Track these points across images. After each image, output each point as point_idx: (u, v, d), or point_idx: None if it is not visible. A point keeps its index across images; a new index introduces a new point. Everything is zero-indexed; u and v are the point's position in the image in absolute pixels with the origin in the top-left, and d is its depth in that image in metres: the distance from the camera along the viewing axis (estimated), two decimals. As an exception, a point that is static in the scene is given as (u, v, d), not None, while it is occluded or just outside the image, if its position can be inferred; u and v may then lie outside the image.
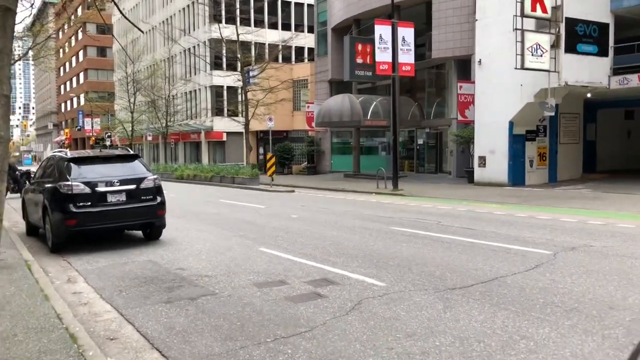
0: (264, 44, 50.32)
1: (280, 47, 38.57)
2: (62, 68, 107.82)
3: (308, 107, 38.46)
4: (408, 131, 33.07)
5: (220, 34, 36.84)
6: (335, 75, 36.24)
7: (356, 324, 5.51)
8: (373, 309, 6.00)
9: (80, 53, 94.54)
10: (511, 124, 23.45)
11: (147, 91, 55.80)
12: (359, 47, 31.74)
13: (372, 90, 34.81)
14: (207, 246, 10.33)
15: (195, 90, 57.00)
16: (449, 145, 30.08)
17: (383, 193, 23.04)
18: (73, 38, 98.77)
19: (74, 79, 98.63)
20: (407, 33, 24.03)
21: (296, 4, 56.71)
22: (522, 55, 20.34)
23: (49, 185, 10.51)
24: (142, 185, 10.59)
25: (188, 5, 57.37)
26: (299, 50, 55.55)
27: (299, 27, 53.71)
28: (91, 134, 72.61)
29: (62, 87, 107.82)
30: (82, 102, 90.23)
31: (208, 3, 50.41)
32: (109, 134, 57.72)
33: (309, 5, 56.66)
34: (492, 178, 24.07)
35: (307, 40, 52.24)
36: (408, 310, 5.89)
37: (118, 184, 10.29)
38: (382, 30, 23.46)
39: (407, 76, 25.59)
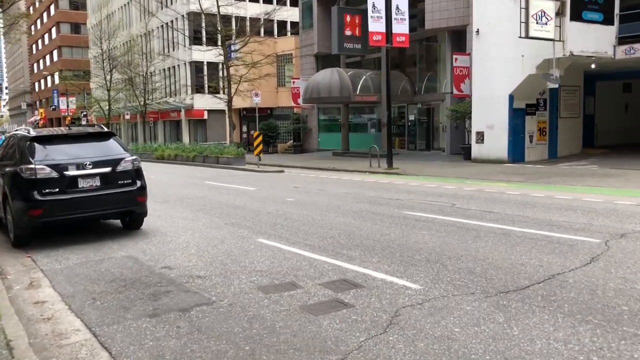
0: (245, 17, 48.37)
1: (263, 20, 36.68)
2: (34, 45, 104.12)
3: (293, 82, 36.85)
4: (398, 107, 31.71)
5: (200, 5, 34.91)
6: (322, 49, 34.62)
7: (402, 348, 4.23)
8: (416, 323, 4.72)
9: (53, 30, 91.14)
10: (511, 97, 22.25)
11: (124, 68, 53.58)
12: (348, 18, 30.19)
13: (360, 64, 33.35)
14: (196, 237, 8.97)
15: (174, 67, 54.89)
16: (443, 121, 28.85)
17: (378, 172, 21.79)
18: (45, 14, 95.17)
19: (47, 57, 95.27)
20: (401, 1, 22.54)
21: (278, -25, 54.57)
22: (527, 23, 19.03)
23: (9, 169, 9.01)
24: (119, 168, 9.14)
25: (165, -22, 54.89)
26: (282, 24, 53.66)
27: (280, 1, 51.79)
28: (67, 113, 70.02)
29: (35, 65, 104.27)
30: (57, 80, 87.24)
31: (186, -25, 48.19)
32: (85, 113, 55.50)
33: (292, -23, 54.66)
34: (491, 154, 22.92)
35: (290, 13, 50.37)
36: (462, 325, 4.63)
37: (91, 166, 8.84)
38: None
39: (401, 47, 24.15)
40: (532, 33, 19.11)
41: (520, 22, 19.06)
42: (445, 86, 28.89)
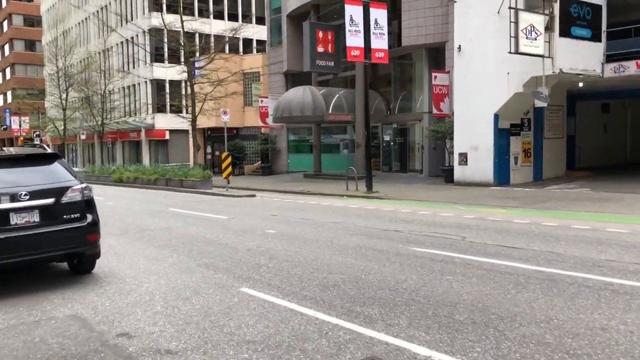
0: (209, 35, 46.71)
1: (228, 36, 34.96)
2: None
3: (261, 101, 35.21)
4: (372, 127, 30.25)
5: (163, 20, 33.05)
6: (292, 67, 33.15)
7: None
8: None
9: (6, 47, 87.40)
10: (496, 117, 21.10)
11: (81, 86, 51.06)
12: (320, 34, 28.76)
13: (332, 83, 31.96)
14: (162, 286, 7.14)
15: (134, 85, 52.58)
16: (420, 141, 27.59)
17: (357, 196, 20.25)
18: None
19: (0, 75, 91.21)
20: (379, 15, 21.25)
21: (244, -8, 53.20)
22: (517, 37, 17.94)
23: None
24: (65, 199, 7.28)
25: (125, -7, 52.85)
26: (247, 42, 52.15)
27: (246, 18, 50.32)
28: (19, 133, 66.56)
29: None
30: (10, 99, 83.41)
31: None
32: (38, 133, 52.53)
33: (257, -5, 53.38)
34: (475, 177, 21.66)
35: (255, 30, 48.93)
36: None
37: (27, 197, 6.95)
38: (353, 11, 20.58)
39: (380, 63, 22.81)
40: (522, 48, 18.03)
41: (510, 36, 17.95)
42: (422, 105, 27.71)
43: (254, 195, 21.01)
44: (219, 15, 50.11)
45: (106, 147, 55.04)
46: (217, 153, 42.82)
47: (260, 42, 52.89)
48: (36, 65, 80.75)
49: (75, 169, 55.78)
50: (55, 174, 7.49)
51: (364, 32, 20.74)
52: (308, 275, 7.34)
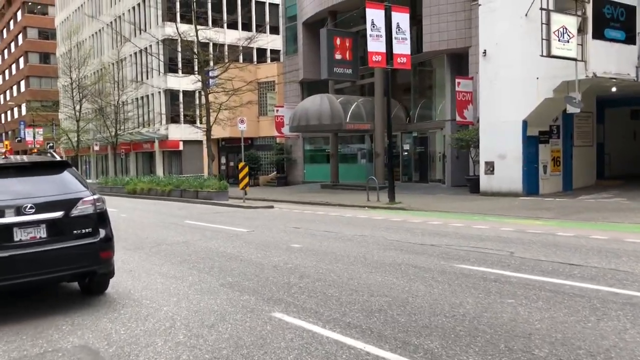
0: (223, 44, 46.25)
1: (243, 45, 34.26)
2: (1, 76, 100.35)
3: (277, 110, 34.55)
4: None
5: (177, 29, 32.54)
6: (308, 75, 32.51)
7: None
8: None
9: (21, 60, 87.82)
10: (525, 123, 20.20)
11: (94, 97, 50.80)
12: (338, 41, 28.16)
13: (349, 91, 31.22)
14: (183, 309, 6.34)
15: (147, 95, 52.25)
16: (442, 150, 26.71)
17: (379, 207, 19.41)
18: (12, 44, 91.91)
19: (15, 88, 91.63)
20: (401, 19, 20.50)
21: (257, 2, 52.82)
22: (549, 40, 17.08)
23: None
24: (75, 212, 6.52)
25: (139, 4, 52.67)
26: (261, 52, 51.63)
27: (260, 28, 49.86)
28: (33, 145, 66.53)
29: (2, 96, 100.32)
30: (24, 111, 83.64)
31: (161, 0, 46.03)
32: (51, 144, 52.23)
33: (272, 5, 53.02)
34: (503, 187, 20.73)
35: (269, 40, 48.45)
36: None
37: (33, 210, 6.21)
38: (374, 15, 19.85)
39: (403, 69, 22.02)
40: (554, 51, 17.15)
41: (542, 39, 17.09)
42: (443, 113, 26.88)
43: (272, 207, 20.22)
44: (233, 25, 49.67)
45: (120, 159, 54.66)
46: (231, 163, 42.23)
47: (274, 52, 52.43)
48: (50, 78, 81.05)
49: (89, 181, 55.40)
50: (65, 184, 6.74)
51: (386, 37, 20.00)
52: (347, 297, 6.51)
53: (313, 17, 31.50)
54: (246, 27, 50.30)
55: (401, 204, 19.44)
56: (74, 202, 6.55)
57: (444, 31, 24.55)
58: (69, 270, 6.52)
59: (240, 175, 21.11)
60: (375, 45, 19.90)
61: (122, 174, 50.96)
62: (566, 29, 17.35)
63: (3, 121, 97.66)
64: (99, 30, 61.16)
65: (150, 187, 28.00)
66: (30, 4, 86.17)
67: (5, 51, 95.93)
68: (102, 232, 6.78)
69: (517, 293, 6.32)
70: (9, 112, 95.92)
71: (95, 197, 6.89)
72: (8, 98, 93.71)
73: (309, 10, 31.54)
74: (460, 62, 25.56)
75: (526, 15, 19.56)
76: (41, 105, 76.39)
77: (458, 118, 23.63)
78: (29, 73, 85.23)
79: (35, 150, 63.57)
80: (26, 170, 6.85)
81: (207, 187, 23.15)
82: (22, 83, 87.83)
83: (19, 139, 74.56)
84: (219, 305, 6.43)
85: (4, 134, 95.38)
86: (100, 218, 6.84)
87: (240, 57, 40.85)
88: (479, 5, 21.49)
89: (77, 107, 52.63)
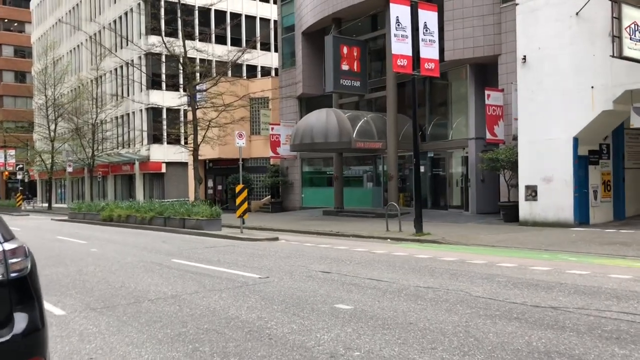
0: (211, 60, 43.04)
1: (233, 58, 30.75)
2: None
3: (272, 129, 31.25)
4: (401, 156, 26.08)
5: (162, 38, 29.22)
6: (308, 90, 29.36)
7: None
8: None
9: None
10: (576, 141, 17.13)
11: (71, 115, 47.15)
12: (345, 50, 25.17)
13: (355, 107, 28.09)
14: None
15: (128, 114, 48.66)
16: (464, 172, 23.53)
17: (405, 239, 16.15)
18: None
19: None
20: (429, 18, 17.42)
21: (247, 16, 49.85)
22: (620, 37, 14.10)
23: None
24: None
25: (120, 17, 49.41)
26: (251, 68, 48.48)
27: (249, 43, 46.80)
28: (4, 167, 62.26)
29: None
30: (-3, 132, 79.33)
31: (145, 12, 42.78)
32: (21, 165, 48.26)
33: (263, 20, 50.13)
34: (548, 215, 17.57)
35: (259, 54, 45.27)
36: None
37: None
38: (399, 12, 16.74)
39: (431, 76, 18.92)
40: (626, 52, 14.16)
41: (613, 35, 14.10)
42: (462, 130, 23.79)
43: (276, 239, 16.75)
44: (221, 40, 46.50)
45: (97, 182, 50.78)
46: (219, 187, 38.71)
47: (265, 69, 49.37)
48: (26, 97, 77.01)
49: (63, 206, 51.33)
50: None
51: (412, 38, 16.91)
52: None
53: (314, 26, 28.46)
54: (235, 42, 47.17)
55: (431, 236, 16.18)
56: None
57: (469, 37, 21.57)
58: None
59: (238, 200, 17.62)
60: (401, 47, 16.76)
61: (99, 199, 47.09)
62: (638, 26, 14.40)
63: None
64: (78, 46, 57.69)
65: (128, 214, 24.34)
66: (6, 21, 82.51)
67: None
68: (22, 321, 3.32)
69: None
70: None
71: (14, 246, 3.44)
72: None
73: (309, 19, 28.49)
74: (485, 72, 22.57)
75: (577, 14, 16.65)
76: (17, 127, 72.31)
77: (488, 136, 20.51)
78: (3, 92, 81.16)
79: (7, 174, 59.40)
80: None
81: (196, 214, 19.61)
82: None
83: (-11, 161, 70.19)
84: None
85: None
86: (21, 289, 3.39)
87: (230, 72, 37.63)
88: (517, 4, 18.55)
89: (52, 127, 49.04)
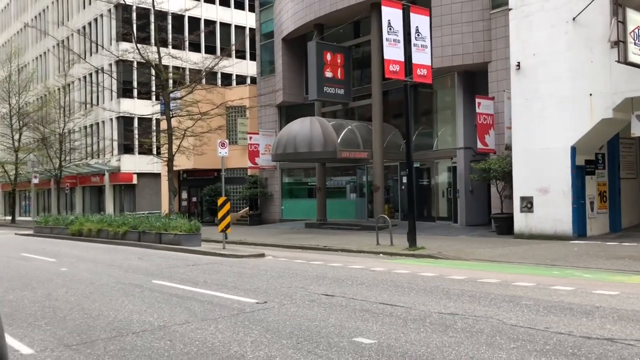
0: (185, 68, 41.77)
1: (209, 66, 29.59)
2: None
3: (250, 138, 30.18)
4: (386, 167, 25.29)
5: (135, 44, 27.97)
6: (288, 98, 28.43)
7: None
8: None
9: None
10: (574, 150, 16.54)
11: (37, 124, 45.26)
12: (328, 57, 24.35)
13: (338, 116, 27.22)
14: None
15: (98, 123, 46.96)
16: (453, 182, 22.83)
17: (398, 254, 15.29)
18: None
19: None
20: (421, 23, 16.69)
21: (222, 24, 48.75)
22: (625, 42, 13.53)
23: None
24: None
25: (90, 23, 47.81)
26: (226, 77, 47.34)
27: (224, 51, 45.69)
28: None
29: None
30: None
31: (116, 17, 41.38)
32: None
33: (238, 27, 49.12)
34: (546, 227, 16.90)
35: (234, 62, 44.18)
36: None
37: None
38: (391, 15, 15.94)
39: (424, 83, 18.15)
40: (631, 57, 13.59)
41: (618, 40, 13.50)
42: (448, 140, 23.15)
43: (262, 255, 15.67)
44: (195, 48, 45.30)
45: (64, 194, 48.80)
46: (193, 199, 37.41)
47: (240, 77, 48.29)
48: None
49: (28, 219, 49.15)
50: None
51: (404, 43, 16.12)
52: None
53: (294, 32, 27.59)
54: (210, 50, 46.01)
55: (425, 250, 15.34)
56: None
57: (458, 44, 20.95)
58: None
59: (221, 214, 16.49)
60: (393, 51, 15.96)
61: (67, 211, 45.18)
62: (641, 30, 13.85)
63: None
64: (45, 52, 55.71)
65: (100, 228, 22.92)
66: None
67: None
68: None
69: None
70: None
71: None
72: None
73: (289, 25, 27.59)
74: (474, 80, 21.99)
75: (574, 19, 16.12)
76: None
77: (480, 145, 19.83)
78: (-35, 100, 77.98)
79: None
80: None
81: (174, 228, 18.38)
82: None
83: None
84: None
85: None
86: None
87: (204, 80, 36.45)
88: (510, 9, 17.97)
89: (17, 137, 47.01)
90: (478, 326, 6.53)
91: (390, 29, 16.00)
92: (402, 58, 16.01)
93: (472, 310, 7.43)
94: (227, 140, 18.07)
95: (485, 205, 21.46)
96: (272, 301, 8.52)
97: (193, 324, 7.18)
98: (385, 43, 15.84)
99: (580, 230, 16.82)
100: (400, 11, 16.21)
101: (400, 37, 16.06)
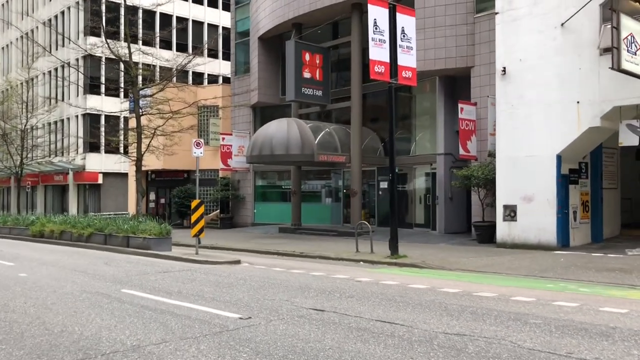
0: (155, 65, 40.54)
1: (185, 61, 28.62)
2: None
3: (223, 139, 29.25)
4: (362, 171, 24.65)
5: (104, 38, 26.81)
6: (264, 98, 27.64)
7: None
8: None
9: None
10: (559, 158, 16.20)
11: (-4, 119, 43.27)
12: (307, 57, 23.66)
13: (315, 118, 26.56)
14: None
15: (62, 120, 45.26)
16: (432, 189, 22.37)
17: (380, 262, 14.72)
18: None
19: None
20: (407, 24, 16.13)
21: (195, 21, 47.60)
22: (619, 49, 13.19)
23: None
24: None
25: (56, 16, 46.10)
26: (197, 76, 46.21)
27: (196, 49, 44.58)
28: None
29: None
30: None
31: (85, 10, 39.92)
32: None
33: (211, 25, 48.06)
34: (529, 237, 16.52)
35: (206, 61, 43.11)
36: None
37: None
38: (377, 15, 15.35)
39: (408, 85, 17.62)
40: (624, 65, 13.27)
41: (612, 46, 13.15)
42: (426, 145, 22.71)
43: (238, 262, 14.86)
44: (166, 46, 44.06)
45: (25, 192, 46.84)
46: (162, 201, 36.21)
47: (211, 76, 47.23)
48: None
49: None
50: None
51: (390, 43, 15.56)
52: None
53: (271, 31, 26.83)
54: (182, 48, 44.83)
55: (408, 259, 14.80)
56: None
57: (441, 48, 20.52)
58: None
59: (194, 217, 15.58)
60: (378, 52, 15.38)
61: (27, 211, 43.34)
62: (634, 38, 13.57)
63: None
64: (7, 45, 53.60)
65: (63, 230, 21.71)
66: None
67: None
68: None
69: None
70: None
71: None
72: None
73: (267, 23, 26.81)
74: (454, 85, 21.61)
75: (562, 25, 15.81)
76: None
77: (462, 151, 19.40)
78: None
79: None
80: None
81: (143, 232, 17.38)
82: None
83: None
84: None
85: None
86: None
87: (174, 79, 35.35)
88: (496, 13, 17.58)
89: (-25, 132, 44.98)
90: (493, 350, 5.90)
91: (376, 28, 15.41)
92: (387, 59, 15.44)
93: (479, 330, 6.81)
94: (202, 140, 17.22)
95: (464, 213, 21.07)
96: (257, 316, 7.76)
97: (171, 343, 6.37)
98: (371, 43, 15.24)
99: (564, 240, 16.48)
100: (387, 10, 15.65)
101: (387, 37, 15.51)
